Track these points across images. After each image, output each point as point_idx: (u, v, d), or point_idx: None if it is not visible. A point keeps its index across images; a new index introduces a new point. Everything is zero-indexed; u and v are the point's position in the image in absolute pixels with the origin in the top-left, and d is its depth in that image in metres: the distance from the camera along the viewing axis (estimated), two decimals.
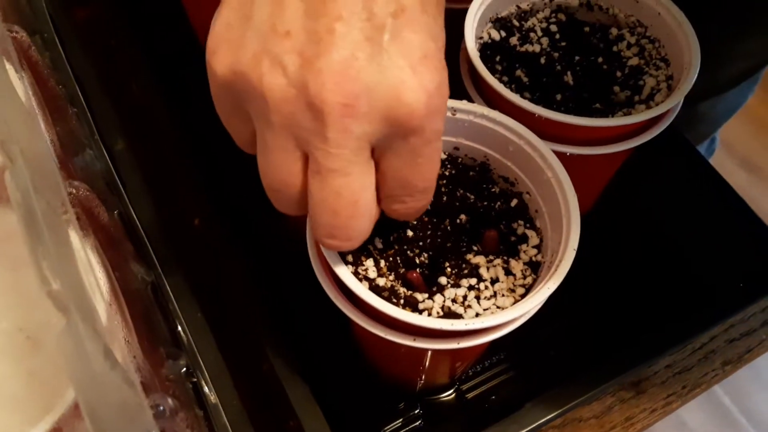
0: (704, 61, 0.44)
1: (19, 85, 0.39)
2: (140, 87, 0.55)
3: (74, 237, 0.35)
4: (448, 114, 0.41)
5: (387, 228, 0.41)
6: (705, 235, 0.53)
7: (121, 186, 0.50)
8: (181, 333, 0.44)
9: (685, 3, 0.61)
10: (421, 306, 0.37)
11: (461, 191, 0.42)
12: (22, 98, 0.39)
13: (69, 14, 0.59)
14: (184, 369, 0.42)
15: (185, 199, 0.52)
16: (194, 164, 0.52)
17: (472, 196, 0.42)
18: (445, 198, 0.41)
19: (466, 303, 0.38)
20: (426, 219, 0.41)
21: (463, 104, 0.41)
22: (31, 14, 0.57)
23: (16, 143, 0.26)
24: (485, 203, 0.41)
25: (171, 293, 0.46)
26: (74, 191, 0.36)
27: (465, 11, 0.45)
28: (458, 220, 0.41)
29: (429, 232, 0.41)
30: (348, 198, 0.30)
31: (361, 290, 0.35)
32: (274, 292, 0.48)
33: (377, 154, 0.30)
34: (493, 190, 0.42)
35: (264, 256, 0.51)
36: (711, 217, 0.53)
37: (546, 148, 0.39)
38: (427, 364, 0.42)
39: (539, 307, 0.36)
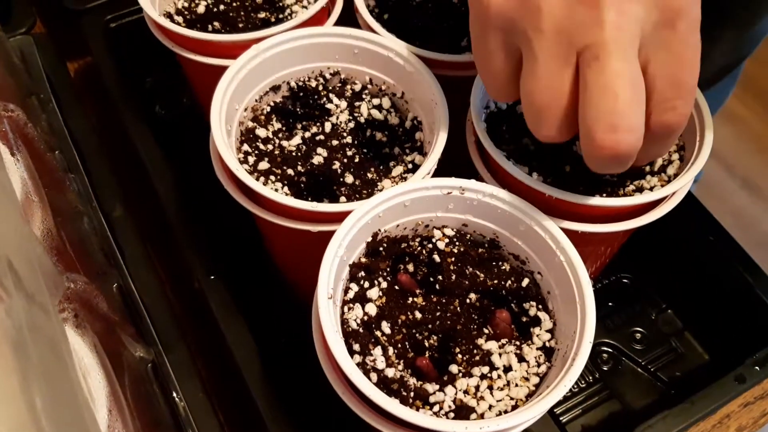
0: None
1: (15, 170, 0.38)
2: (139, 149, 0.54)
3: (72, 336, 0.34)
4: (456, 193, 0.40)
5: (395, 310, 0.39)
6: (716, 299, 0.52)
7: (119, 255, 0.49)
8: (183, 415, 0.43)
9: None
10: (432, 399, 0.36)
11: (470, 269, 0.41)
12: (18, 185, 0.38)
13: (65, 75, 0.58)
14: None
15: (185, 264, 0.50)
16: (194, 229, 0.51)
17: (482, 274, 0.41)
18: (453, 276, 0.40)
19: (479, 394, 0.36)
20: (435, 299, 0.40)
21: (471, 183, 0.40)
22: (26, 75, 0.56)
23: (12, 274, 0.25)
24: (495, 281, 0.40)
25: (172, 372, 0.44)
26: (72, 285, 0.35)
27: (472, 78, 0.44)
28: (468, 300, 0.40)
29: (438, 314, 0.39)
30: (628, 79, 0.31)
31: (370, 389, 0.33)
32: (278, 368, 0.46)
33: (644, 56, 0.31)
34: (504, 267, 0.41)
35: (268, 328, 0.49)
36: (720, 279, 0.52)
37: (558, 230, 0.38)
38: None
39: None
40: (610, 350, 0.53)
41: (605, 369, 0.53)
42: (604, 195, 0.42)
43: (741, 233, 1.55)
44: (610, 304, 0.55)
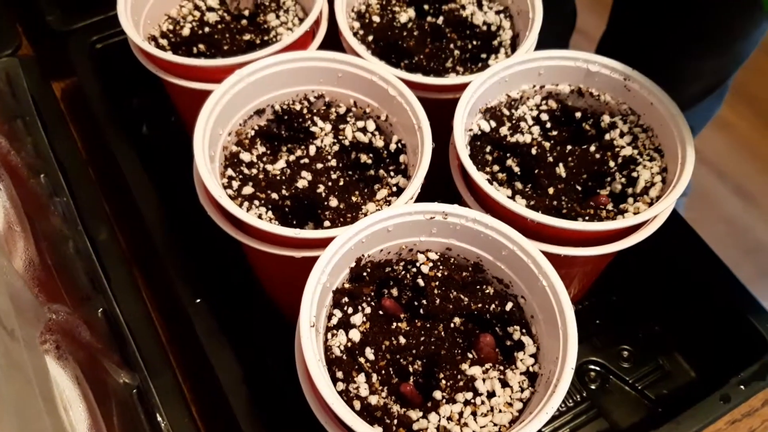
0: (669, 79, 0.45)
1: None
2: (124, 172, 0.54)
3: (54, 368, 0.34)
4: (439, 218, 0.40)
5: (379, 336, 0.39)
6: (703, 318, 0.52)
7: (105, 281, 0.48)
8: None
9: (646, 26, 0.62)
10: (415, 426, 0.36)
11: (455, 293, 0.41)
12: (0, 214, 0.37)
13: (51, 97, 0.58)
14: None
15: (172, 288, 0.50)
16: (180, 252, 0.51)
17: (466, 298, 0.41)
18: (438, 300, 0.40)
19: (462, 420, 0.36)
20: (419, 324, 0.40)
21: (453, 208, 0.40)
22: (11, 98, 0.56)
23: None
24: (480, 305, 0.40)
25: (157, 397, 0.44)
26: (54, 316, 0.35)
27: (455, 101, 0.44)
28: (452, 324, 0.40)
29: (422, 339, 0.39)
30: None
31: (352, 419, 0.33)
32: (265, 391, 0.46)
33: None
34: (488, 291, 0.41)
35: (255, 350, 0.49)
36: (706, 298, 0.52)
37: (540, 254, 0.38)
38: None
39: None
40: (597, 368, 0.53)
41: (593, 387, 0.53)
42: (587, 219, 0.42)
43: (734, 240, 1.54)
44: (597, 322, 0.55)
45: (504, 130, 0.46)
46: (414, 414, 0.36)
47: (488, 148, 0.46)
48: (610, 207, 0.43)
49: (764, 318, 0.49)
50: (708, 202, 1.57)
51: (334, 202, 0.44)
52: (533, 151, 0.45)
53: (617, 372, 0.53)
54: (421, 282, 0.41)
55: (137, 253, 0.55)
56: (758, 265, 1.38)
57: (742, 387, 0.46)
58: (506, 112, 0.47)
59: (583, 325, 0.55)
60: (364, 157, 0.47)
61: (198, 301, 0.48)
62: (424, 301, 0.40)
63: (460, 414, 0.37)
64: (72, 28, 0.62)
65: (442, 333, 0.40)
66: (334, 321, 0.39)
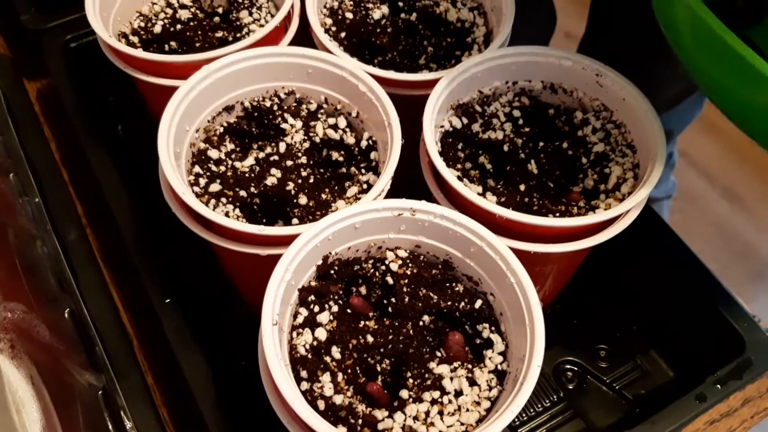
0: (643, 83, 0.44)
1: None
2: (95, 172, 0.53)
3: (7, 368, 0.33)
4: (407, 215, 0.39)
5: (346, 335, 0.39)
6: (681, 316, 0.52)
7: (73, 281, 0.48)
8: None
9: (620, 30, 0.62)
10: (380, 426, 0.35)
11: (424, 291, 0.40)
12: None
13: (24, 97, 0.58)
14: None
15: (141, 288, 0.49)
16: (150, 251, 0.50)
17: (436, 296, 0.40)
18: (407, 298, 0.40)
19: (429, 420, 0.36)
20: (387, 322, 0.39)
21: (421, 204, 0.39)
22: None
23: None
24: (449, 303, 0.40)
25: (124, 399, 0.43)
26: (9, 314, 0.34)
27: (425, 97, 0.44)
28: (421, 322, 0.39)
29: (391, 337, 0.39)
30: None
31: (313, 419, 0.32)
32: (234, 393, 0.45)
33: None
34: (457, 288, 0.40)
35: (227, 351, 0.49)
36: (684, 297, 0.51)
37: (508, 251, 0.38)
38: None
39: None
40: (574, 368, 0.53)
41: (570, 387, 0.52)
42: (558, 215, 0.41)
43: (722, 243, 1.54)
44: (575, 321, 0.55)
45: (476, 127, 0.45)
46: (379, 413, 0.36)
47: (460, 145, 0.45)
48: (582, 203, 0.42)
49: (741, 317, 0.49)
50: (697, 205, 1.57)
51: (303, 199, 0.43)
52: (505, 147, 0.45)
53: (594, 372, 0.53)
54: (390, 280, 0.40)
55: (108, 253, 0.54)
56: (747, 268, 1.38)
57: (718, 386, 0.46)
58: (478, 108, 0.46)
59: (560, 324, 0.54)
60: (335, 154, 0.46)
61: (167, 301, 0.48)
62: (393, 299, 0.40)
63: (427, 413, 0.36)
64: (46, 27, 0.61)
65: (411, 331, 0.39)
66: (300, 320, 0.38)
